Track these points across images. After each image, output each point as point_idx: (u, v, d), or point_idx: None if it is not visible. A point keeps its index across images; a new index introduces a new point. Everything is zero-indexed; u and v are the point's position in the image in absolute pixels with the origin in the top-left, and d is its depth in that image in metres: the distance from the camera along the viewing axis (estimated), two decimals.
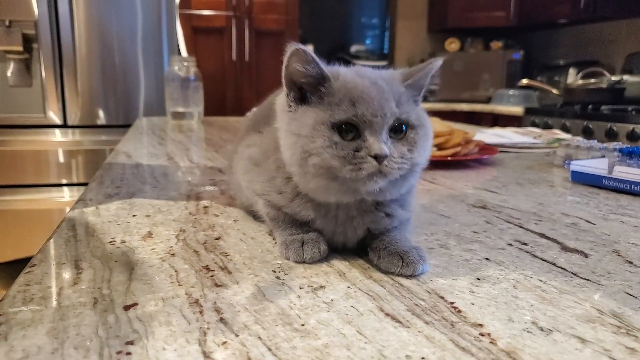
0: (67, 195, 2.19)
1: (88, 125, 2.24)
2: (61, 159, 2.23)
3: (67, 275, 0.36)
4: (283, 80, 0.38)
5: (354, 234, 0.40)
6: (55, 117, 2.20)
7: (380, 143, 0.34)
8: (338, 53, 3.26)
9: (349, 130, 0.35)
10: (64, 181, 2.28)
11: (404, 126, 0.37)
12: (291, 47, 0.36)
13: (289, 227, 0.41)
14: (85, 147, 2.23)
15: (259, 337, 0.28)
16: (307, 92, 0.38)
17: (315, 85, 0.37)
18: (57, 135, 2.22)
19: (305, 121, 0.37)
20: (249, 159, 0.44)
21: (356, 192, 0.36)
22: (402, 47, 3.56)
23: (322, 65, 0.37)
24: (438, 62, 0.38)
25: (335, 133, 0.36)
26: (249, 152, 0.44)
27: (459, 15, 3.21)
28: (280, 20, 2.88)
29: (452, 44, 3.41)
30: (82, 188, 2.21)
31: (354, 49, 3.30)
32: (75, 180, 2.24)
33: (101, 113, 2.28)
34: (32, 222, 2.20)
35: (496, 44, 3.32)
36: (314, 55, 0.36)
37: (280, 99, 0.40)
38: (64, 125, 2.21)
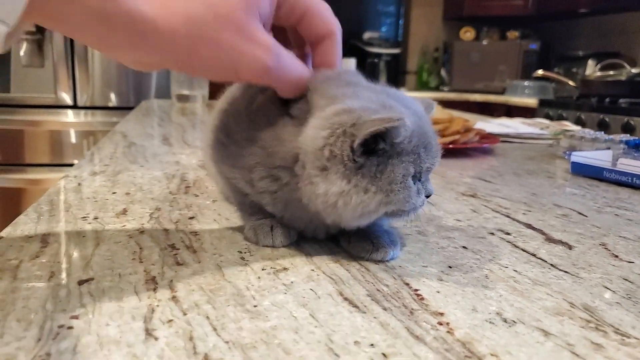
0: None
1: (99, 107, 2.25)
2: (72, 139, 2.25)
3: (30, 248, 0.35)
4: None
5: (326, 229, 0.38)
6: (66, 97, 2.21)
7: None
8: (351, 40, 3.22)
9: None
10: (75, 161, 2.30)
11: None
12: None
13: (256, 212, 0.38)
14: (96, 129, 2.24)
15: (207, 317, 0.27)
16: None
17: None
18: (69, 116, 2.23)
19: None
20: (215, 131, 0.39)
21: None
22: (417, 34, 3.51)
23: None
24: None
25: None
26: (216, 123, 0.40)
27: (475, 3, 3.14)
28: None
29: (467, 33, 3.34)
30: None
31: (367, 35, 3.25)
32: None
33: (112, 95, 2.28)
34: None
35: (513, 34, 3.25)
36: None
37: None
38: (74, 106, 2.22)
